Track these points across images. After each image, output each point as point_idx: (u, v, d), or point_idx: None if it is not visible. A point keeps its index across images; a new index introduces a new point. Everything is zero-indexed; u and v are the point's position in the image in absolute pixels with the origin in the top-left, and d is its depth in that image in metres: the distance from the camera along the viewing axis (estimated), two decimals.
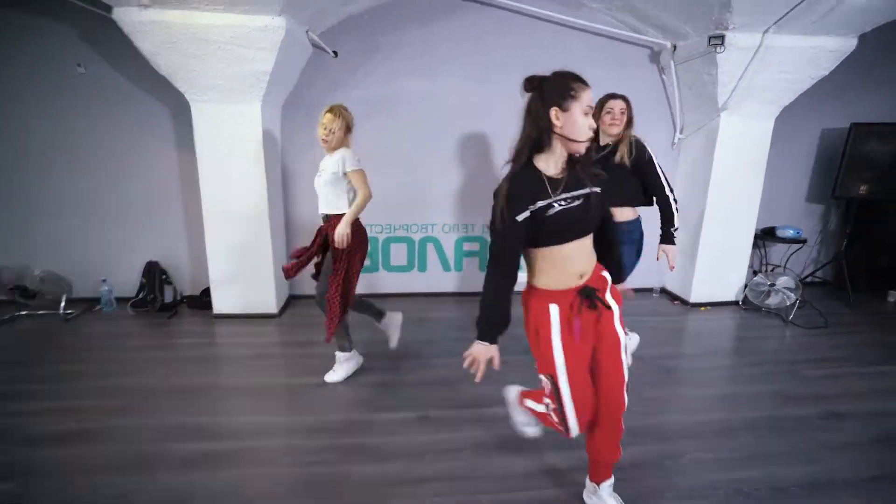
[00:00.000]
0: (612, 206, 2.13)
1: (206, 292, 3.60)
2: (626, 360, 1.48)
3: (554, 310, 1.39)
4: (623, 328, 1.48)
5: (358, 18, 3.46)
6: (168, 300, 3.67)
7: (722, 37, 3.10)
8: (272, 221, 3.39)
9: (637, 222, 2.50)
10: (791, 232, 3.98)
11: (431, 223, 3.96)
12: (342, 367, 2.59)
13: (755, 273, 3.93)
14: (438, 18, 3.55)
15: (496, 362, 1.39)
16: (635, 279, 2.39)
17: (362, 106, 3.45)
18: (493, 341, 1.40)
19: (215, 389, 2.53)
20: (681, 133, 3.98)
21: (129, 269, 3.69)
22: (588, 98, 1.30)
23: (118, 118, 3.45)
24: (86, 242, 3.65)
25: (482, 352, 1.38)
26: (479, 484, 1.81)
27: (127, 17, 2.66)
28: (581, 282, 1.40)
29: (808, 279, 4.41)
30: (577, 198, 1.35)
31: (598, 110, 2.41)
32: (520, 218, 1.31)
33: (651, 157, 2.39)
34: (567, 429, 1.43)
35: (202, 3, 2.62)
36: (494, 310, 1.39)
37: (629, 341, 2.67)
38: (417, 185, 3.84)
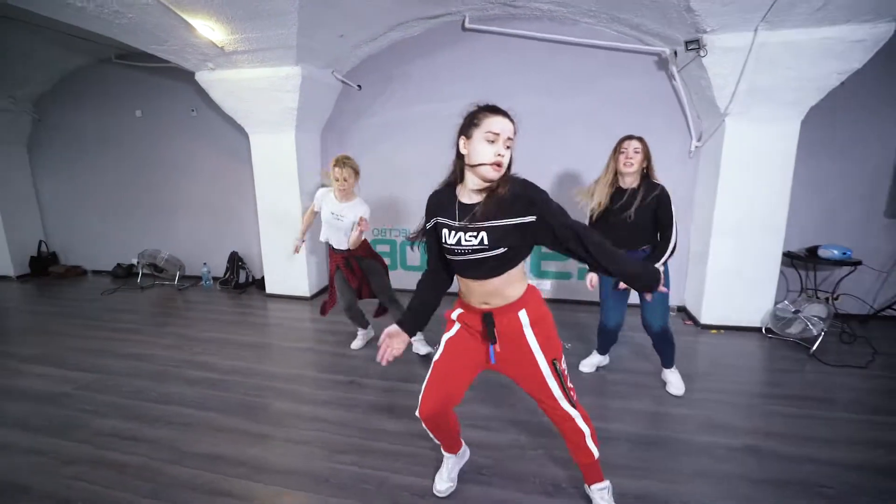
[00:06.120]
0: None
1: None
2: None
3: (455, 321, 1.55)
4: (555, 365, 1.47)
5: (376, 58, 4.17)
6: (242, 281, 4.87)
7: (698, 40, 2.95)
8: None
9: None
10: (836, 252, 3.34)
11: None
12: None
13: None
14: (441, 49, 4.04)
15: (397, 351, 1.44)
16: None
17: (381, 129, 4.22)
18: (407, 330, 1.47)
19: (231, 342, 3.45)
20: (698, 141, 3.71)
21: (221, 257, 5.00)
22: (491, 124, 1.30)
23: (216, 146, 4.78)
24: (196, 235, 5.09)
25: (394, 334, 1.46)
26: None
27: (202, 78, 3.82)
28: (485, 307, 1.45)
29: (882, 313, 3.59)
30: (476, 232, 1.33)
31: (614, 152, 2.36)
32: (429, 225, 1.49)
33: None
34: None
35: (246, 63, 3.62)
36: (414, 299, 1.53)
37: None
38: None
